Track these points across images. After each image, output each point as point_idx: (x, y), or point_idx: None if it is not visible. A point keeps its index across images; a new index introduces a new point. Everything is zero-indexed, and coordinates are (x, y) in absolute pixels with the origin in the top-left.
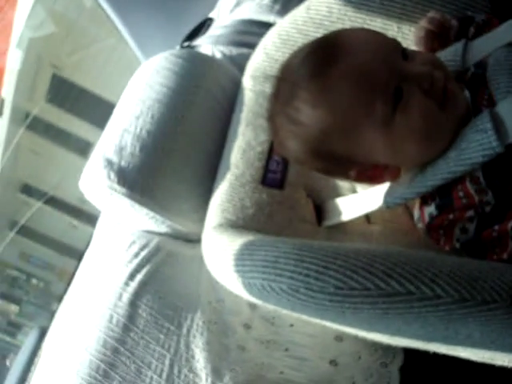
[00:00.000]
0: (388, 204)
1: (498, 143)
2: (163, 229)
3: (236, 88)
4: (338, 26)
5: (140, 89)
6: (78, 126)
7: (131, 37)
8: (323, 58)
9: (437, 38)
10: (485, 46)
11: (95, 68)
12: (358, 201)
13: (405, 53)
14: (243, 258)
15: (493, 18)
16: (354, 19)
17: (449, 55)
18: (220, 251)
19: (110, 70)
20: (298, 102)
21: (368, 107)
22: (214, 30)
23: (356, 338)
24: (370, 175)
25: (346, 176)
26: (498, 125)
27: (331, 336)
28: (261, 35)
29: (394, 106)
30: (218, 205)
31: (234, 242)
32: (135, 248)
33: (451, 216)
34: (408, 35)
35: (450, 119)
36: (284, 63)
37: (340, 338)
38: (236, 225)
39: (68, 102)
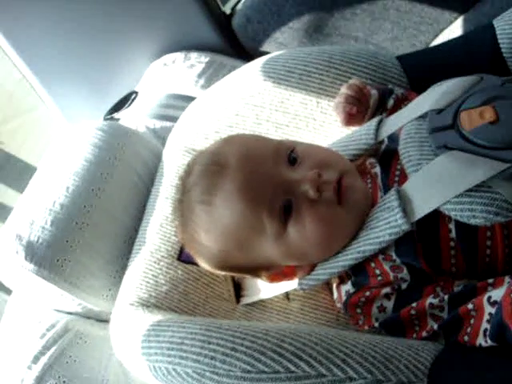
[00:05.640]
0: (302, 286)
1: (404, 221)
2: (73, 307)
3: (158, 161)
4: (258, 101)
5: (57, 160)
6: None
7: (58, 107)
8: (208, 184)
9: (356, 103)
10: (399, 119)
11: (28, 137)
12: None
13: (291, 156)
14: (149, 340)
15: (412, 93)
16: (273, 94)
17: (363, 129)
18: (127, 332)
19: (44, 139)
20: (194, 225)
21: (256, 226)
22: (139, 103)
23: None
24: (284, 273)
25: (259, 278)
26: (405, 202)
27: None
28: (185, 109)
29: (283, 221)
30: (130, 282)
31: (142, 322)
32: (42, 328)
33: (368, 293)
34: (327, 110)
35: (349, 212)
36: (180, 180)
37: None
38: (148, 303)
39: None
